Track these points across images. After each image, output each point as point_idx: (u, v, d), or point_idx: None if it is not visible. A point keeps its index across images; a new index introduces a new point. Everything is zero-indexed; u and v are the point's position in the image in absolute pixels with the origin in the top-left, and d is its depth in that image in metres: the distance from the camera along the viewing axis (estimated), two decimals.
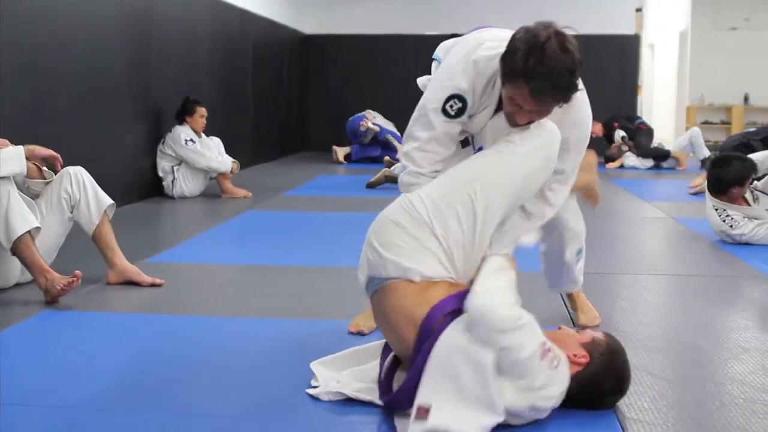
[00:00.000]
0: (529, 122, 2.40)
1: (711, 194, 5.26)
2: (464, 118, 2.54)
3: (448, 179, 2.44)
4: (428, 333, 2.22)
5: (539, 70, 2.21)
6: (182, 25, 7.93)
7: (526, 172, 2.42)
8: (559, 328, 2.46)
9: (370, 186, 7.83)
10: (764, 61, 14.53)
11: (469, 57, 2.49)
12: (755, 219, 5.17)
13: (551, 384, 2.21)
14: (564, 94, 2.28)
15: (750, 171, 5.22)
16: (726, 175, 5.20)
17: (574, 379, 2.29)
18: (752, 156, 5.51)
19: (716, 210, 5.20)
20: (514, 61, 2.24)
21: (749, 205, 5.24)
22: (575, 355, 2.31)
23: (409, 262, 2.30)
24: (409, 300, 2.30)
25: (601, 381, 2.34)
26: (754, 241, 5.12)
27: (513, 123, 2.42)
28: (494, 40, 2.51)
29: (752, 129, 8.85)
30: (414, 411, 2.12)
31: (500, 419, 2.14)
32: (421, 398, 2.13)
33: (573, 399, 2.31)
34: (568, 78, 2.24)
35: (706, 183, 5.42)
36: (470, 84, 2.48)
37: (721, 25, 14.89)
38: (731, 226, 5.15)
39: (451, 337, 2.18)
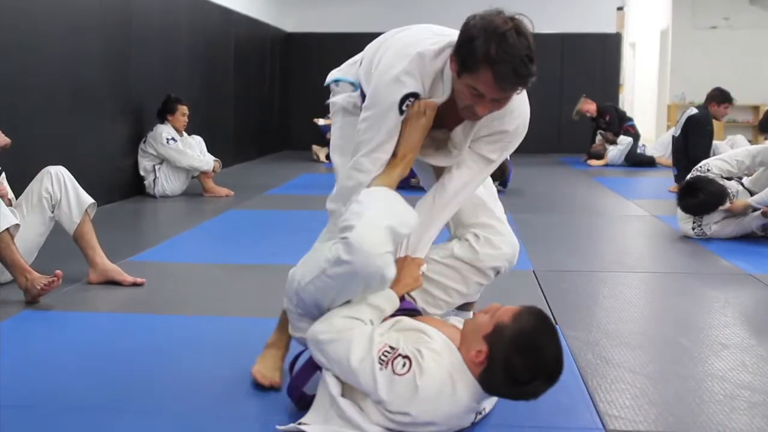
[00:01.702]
0: (485, 113, 2.31)
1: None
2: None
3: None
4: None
5: (502, 56, 2.14)
6: (163, 23, 7.89)
7: None
8: (474, 316, 2.28)
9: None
10: (744, 60, 14.61)
11: (413, 50, 2.34)
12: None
13: (411, 403, 2.07)
14: (525, 80, 2.21)
15: (720, 197, 5.26)
16: (698, 207, 5.29)
17: (484, 380, 2.12)
18: (720, 160, 5.54)
19: (692, 224, 5.37)
20: (475, 48, 2.16)
21: None
22: (475, 354, 2.12)
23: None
24: None
25: (511, 373, 2.08)
26: (725, 234, 5.35)
27: (472, 116, 2.33)
28: (431, 36, 2.40)
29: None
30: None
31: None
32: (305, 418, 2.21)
33: (502, 395, 2.20)
34: (527, 64, 2.17)
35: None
36: (420, 78, 2.34)
37: (701, 24, 14.95)
38: (698, 236, 5.34)
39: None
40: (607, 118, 10.84)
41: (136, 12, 7.19)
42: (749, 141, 9.92)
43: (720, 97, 7.92)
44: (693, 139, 7.65)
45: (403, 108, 2.33)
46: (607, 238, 5.83)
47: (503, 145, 2.48)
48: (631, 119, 11.22)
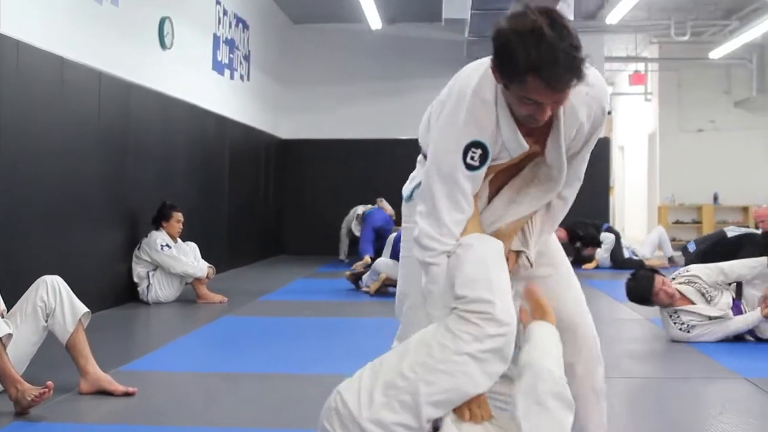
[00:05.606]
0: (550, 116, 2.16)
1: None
2: (485, 168, 2.23)
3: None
4: None
5: (545, 57, 1.97)
6: (159, 130, 8.02)
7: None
8: None
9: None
10: (731, 162, 14.87)
11: (466, 93, 2.18)
12: (707, 315, 5.31)
13: None
14: (577, 72, 2.03)
15: (653, 280, 5.40)
16: (637, 290, 5.55)
17: None
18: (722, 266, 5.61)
19: (671, 317, 5.40)
20: (513, 59, 2.01)
21: (693, 302, 5.39)
22: None
23: None
24: None
25: None
26: (707, 339, 5.31)
27: (534, 123, 2.16)
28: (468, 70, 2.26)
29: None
30: None
31: None
32: None
33: None
34: (575, 54, 2.00)
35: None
36: (480, 122, 2.19)
37: (687, 127, 15.27)
38: (688, 332, 5.33)
39: None
40: (581, 234, 11.02)
41: (134, 120, 7.32)
42: None
43: None
44: (750, 252, 7.71)
45: (468, 162, 2.19)
46: (600, 343, 5.80)
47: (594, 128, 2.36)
48: (604, 223, 11.42)
